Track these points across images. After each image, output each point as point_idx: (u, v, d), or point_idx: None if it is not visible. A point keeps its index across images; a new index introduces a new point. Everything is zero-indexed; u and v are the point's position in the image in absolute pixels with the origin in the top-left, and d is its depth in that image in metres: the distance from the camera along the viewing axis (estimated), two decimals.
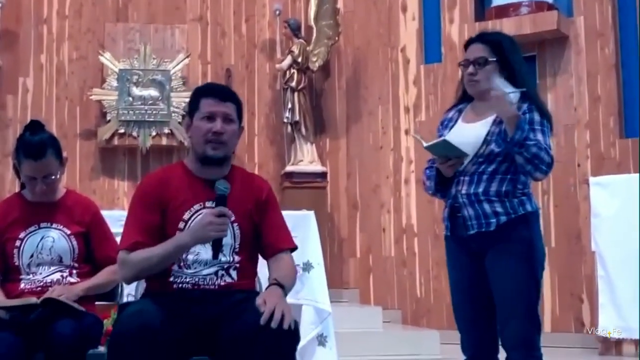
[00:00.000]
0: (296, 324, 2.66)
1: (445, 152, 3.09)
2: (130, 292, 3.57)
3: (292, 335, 2.60)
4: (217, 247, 2.78)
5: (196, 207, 2.87)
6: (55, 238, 3.31)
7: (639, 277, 5.69)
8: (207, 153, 2.88)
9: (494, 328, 3.18)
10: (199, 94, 2.96)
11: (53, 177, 3.30)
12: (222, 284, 2.83)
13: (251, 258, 2.94)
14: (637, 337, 5.81)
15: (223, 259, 2.83)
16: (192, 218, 2.85)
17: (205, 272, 2.82)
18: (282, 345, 2.56)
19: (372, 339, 6.15)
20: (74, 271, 3.32)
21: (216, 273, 2.83)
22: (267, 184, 3.07)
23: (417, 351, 6.08)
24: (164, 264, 2.81)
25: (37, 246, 3.28)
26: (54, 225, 3.33)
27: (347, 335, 5.74)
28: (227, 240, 2.83)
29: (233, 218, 2.83)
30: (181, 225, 2.85)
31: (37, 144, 3.26)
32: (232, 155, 3.05)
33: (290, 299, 4.75)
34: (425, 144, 3.15)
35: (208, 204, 2.86)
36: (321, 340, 4.87)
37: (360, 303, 7.45)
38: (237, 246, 2.87)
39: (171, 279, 2.83)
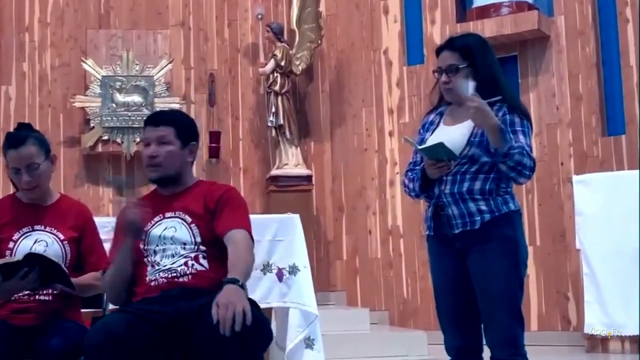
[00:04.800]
0: (267, 322, 2.79)
1: (438, 155, 3.10)
2: None
3: (260, 333, 2.71)
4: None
5: (156, 218, 3.11)
6: (49, 242, 3.27)
7: (639, 273, 5.72)
8: (149, 177, 3.18)
9: (478, 327, 3.20)
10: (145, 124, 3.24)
11: (36, 166, 3.26)
12: (194, 272, 2.97)
13: (220, 250, 3.01)
14: (624, 334, 5.85)
15: (189, 247, 3.01)
16: (151, 228, 3.09)
17: (176, 264, 3.00)
18: (252, 344, 2.65)
19: (359, 341, 6.16)
20: None
21: (186, 263, 3.00)
22: (226, 187, 3.24)
23: (405, 352, 6.10)
24: (122, 268, 3.06)
25: (30, 249, 3.23)
26: (48, 229, 3.30)
27: (334, 337, 5.74)
28: (188, 238, 3.03)
29: (190, 220, 3.05)
30: (144, 236, 3.09)
31: (18, 135, 3.30)
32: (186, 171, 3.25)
33: (277, 302, 4.80)
34: (419, 146, 3.16)
35: (168, 214, 3.10)
36: (308, 343, 4.86)
37: (348, 305, 7.46)
38: (199, 241, 3.03)
39: (147, 280, 3.01)
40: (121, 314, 2.90)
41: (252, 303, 2.78)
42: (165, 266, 2.99)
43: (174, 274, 2.97)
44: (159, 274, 2.98)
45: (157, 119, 3.22)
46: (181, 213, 3.08)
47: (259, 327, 2.68)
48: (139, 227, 3.04)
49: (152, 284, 2.98)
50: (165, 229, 3.07)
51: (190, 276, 2.96)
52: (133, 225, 3.03)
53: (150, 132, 3.15)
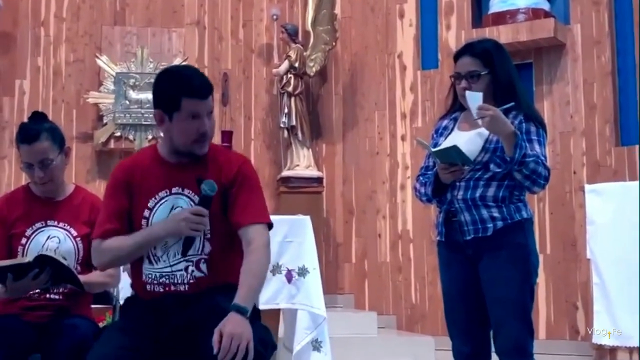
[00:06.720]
0: (269, 337, 2.67)
1: (451, 159, 3.08)
2: (124, 295, 3.56)
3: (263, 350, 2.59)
4: (187, 244, 2.76)
5: (161, 194, 2.83)
6: (61, 239, 3.26)
7: (639, 285, 5.69)
8: (195, 151, 2.83)
9: (487, 334, 3.19)
10: (177, 92, 2.78)
11: (49, 161, 3.24)
12: (192, 281, 2.77)
13: (226, 247, 2.83)
14: (632, 345, 5.82)
15: (192, 247, 2.78)
16: (157, 206, 2.82)
17: (175, 267, 2.78)
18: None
19: (366, 345, 6.16)
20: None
21: (186, 269, 2.78)
22: (241, 159, 2.94)
23: (412, 357, 6.09)
24: (135, 254, 2.82)
25: (43, 246, 3.23)
26: (61, 225, 3.29)
27: (342, 340, 5.74)
28: None
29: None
30: (146, 213, 2.82)
31: (31, 129, 3.25)
32: None
33: (285, 303, 4.80)
34: (432, 149, 3.14)
35: (174, 189, 2.82)
36: (316, 345, 4.86)
37: (355, 308, 7.44)
38: (207, 232, 2.79)
39: (143, 277, 2.81)
40: (113, 335, 2.72)
41: (257, 317, 2.72)
42: (163, 269, 2.78)
43: (171, 280, 2.77)
44: (156, 279, 2.79)
45: (204, 89, 2.80)
46: (191, 192, 2.80)
47: (264, 348, 2.59)
48: (192, 243, 2.78)
49: (147, 287, 2.80)
50: (173, 208, 2.81)
51: (187, 285, 2.77)
52: (191, 241, 2.76)
53: (200, 105, 2.77)
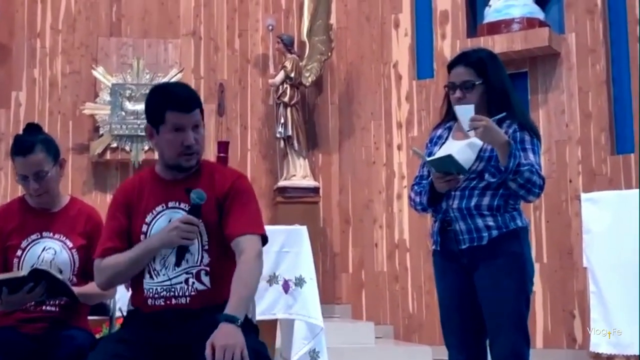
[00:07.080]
0: (264, 350, 2.66)
1: (446, 168, 3.09)
2: (121, 306, 3.56)
3: None
4: (180, 254, 2.77)
5: (158, 209, 2.86)
6: (57, 250, 3.25)
7: (639, 293, 5.69)
8: (182, 165, 2.85)
9: (483, 343, 3.19)
10: (162, 106, 2.82)
11: (44, 173, 3.23)
12: (194, 293, 2.76)
13: (224, 258, 2.81)
14: (629, 353, 5.82)
15: (190, 258, 2.78)
16: (154, 220, 2.84)
17: (175, 280, 2.78)
18: None
19: (364, 355, 6.15)
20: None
21: (187, 281, 2.77)
22: (235, 175, 2.94)
23: None
24: (134, 269, 2.82)
25: (39, 258, 3.22)
26: (57, 236, 3.27)
27: (339, 350, 5.73)
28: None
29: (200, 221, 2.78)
30: (144, 228, 2.85)
31: (26, 141, 3.24)
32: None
33: (282, 313, 4.80)
34: (427, 158, 3.14)
35: (171, 204, 2.84)
36: (313, 355, 4.86)
37: (353, 318, 7.43)
38: (205, 242, 2.80)
39: (145, 292, 2.81)
40: (110, 345, 2.71)
41: (254, 331, 2.72)
42: (163, 282, 2.78)
43: (172, 293, 2.76)
44: (157, 292, 2.78)
45: (188, 102, 2.83)
46: (187, 205, 2.80)
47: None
48: (185, 253, 2.79)
49: (149, 301, 2.80)
50: (171, 221, 2.80)
51: (189, 298, 2.76)
52: (184, 250, 2.77)
53: (184, 117, 2.80)
